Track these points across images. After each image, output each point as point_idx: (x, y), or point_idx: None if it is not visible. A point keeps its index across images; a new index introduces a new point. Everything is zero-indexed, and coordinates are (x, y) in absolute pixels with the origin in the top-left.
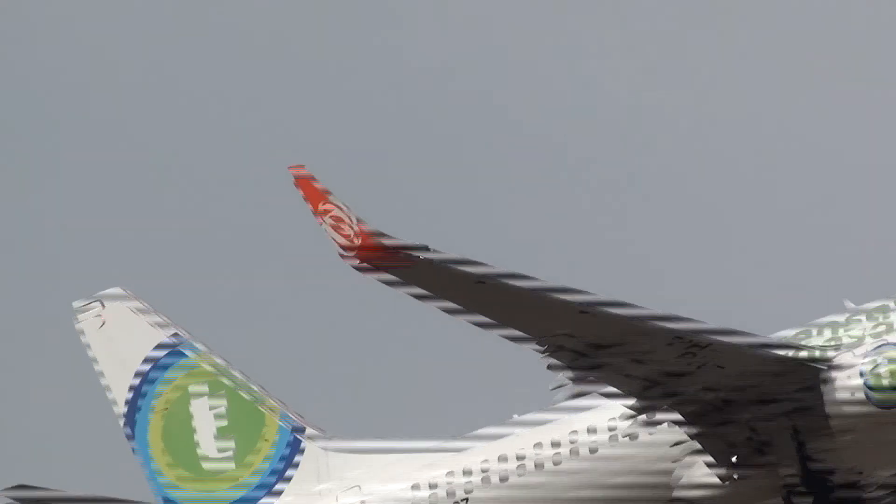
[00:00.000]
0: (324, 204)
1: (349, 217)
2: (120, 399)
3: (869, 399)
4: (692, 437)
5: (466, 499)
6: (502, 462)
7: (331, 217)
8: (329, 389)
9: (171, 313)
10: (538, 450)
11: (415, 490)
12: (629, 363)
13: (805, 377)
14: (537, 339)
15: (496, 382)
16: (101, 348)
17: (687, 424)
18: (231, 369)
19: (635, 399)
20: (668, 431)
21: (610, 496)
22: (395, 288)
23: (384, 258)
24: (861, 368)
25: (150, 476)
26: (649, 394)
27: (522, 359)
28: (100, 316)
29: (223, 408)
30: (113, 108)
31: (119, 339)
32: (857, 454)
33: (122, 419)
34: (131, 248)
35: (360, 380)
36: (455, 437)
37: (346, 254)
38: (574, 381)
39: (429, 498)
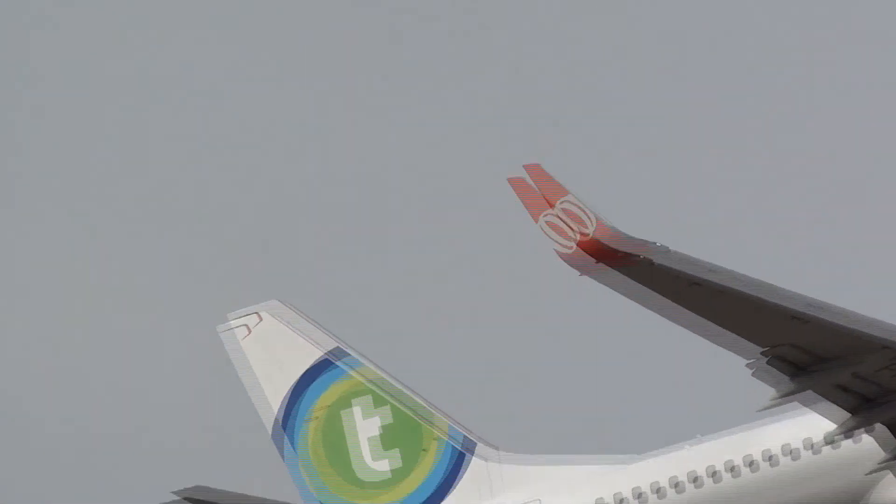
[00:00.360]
0: (560, 202)
1: (587, 214)
2: (274, 405)
3: None
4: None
5: None
6: (691, 477)
7: (553, 215)
8: (504, 404)
9: (334, 326)
10: (730, 462)
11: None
12: (850, 378)
13: None
14: (762, 349)
15: (683, 401)
16: (253, 356)
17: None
18: (395, 384)
19: (849, 415)
20: (871, 445)
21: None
22: (620, 289)
23: (614, 256)
24: None
25: (301, 485)
26: (864, 410)
27: (710, 378)
28: (246, 326)
29: (385, 422)
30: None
31: (273, 349)
32: None
33: (272, 427)
34: (291, 260)
35: (537, 395)
36: (636, 455)
37: (564, 251)
38: (789, 394)
39: None
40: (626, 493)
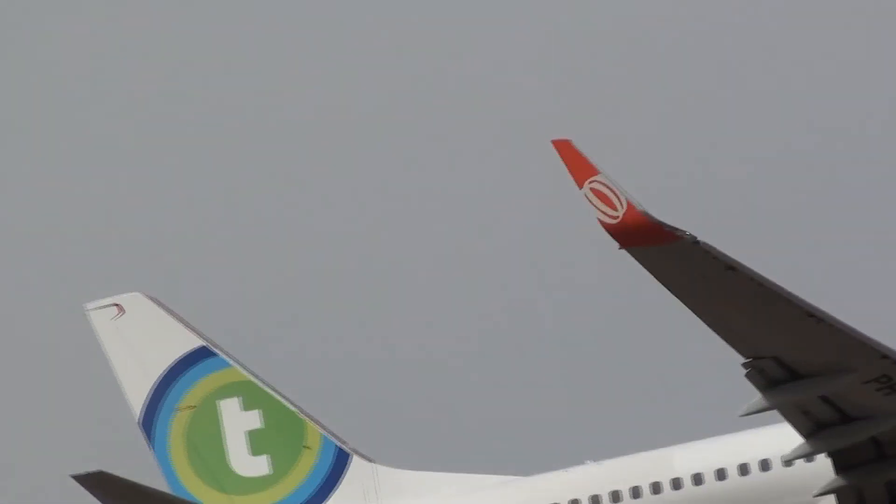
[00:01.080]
0: (590, 181)
1: (617, 196)
2: (139, 396)
3: None
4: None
5: None
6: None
7: (592, 191)
8: (379, 419)
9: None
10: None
11: None
12: (815, 400)
13: None
14: (745, 360)
15: (570, 427)
16: (117, 341)
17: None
18: (266, 388)
19: (803, 440)
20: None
21: None
22: (648, 266)
23: (649, 233)
24: None
25: (170, 480)
26: (815, 437)
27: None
28: (117, 305)
29: (267, 416)
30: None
31: (140, 335)
32: None
33: (138, 416)
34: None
35: (415, 412)
36: (521, 477)
37: (609, 222)
38: (761, 409)
39: None
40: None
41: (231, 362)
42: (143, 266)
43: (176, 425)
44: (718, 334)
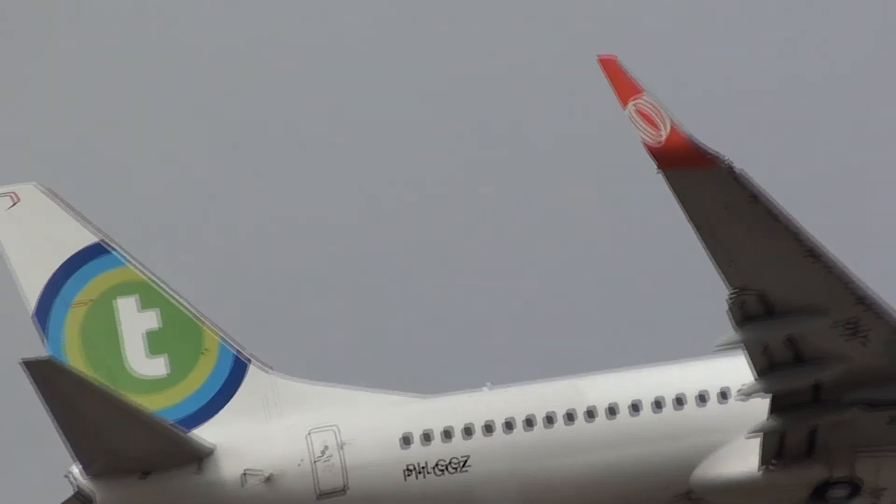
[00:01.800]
0: (634, 100)
1: (662, 117)
2: (33, 289)
3: None
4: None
5: (467, 457)
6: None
7: (637, 111)
8: (283, 328)
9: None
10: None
11: (406, 440)
12: (781, 339)
13: None
14: (732, 290)
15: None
16: (11, 231)
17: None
18: (163, 289)
19: (755, 378)
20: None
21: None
22: (679, 190)
23: (690, 156)
24: None
25: None
26: (767, 376)
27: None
28: (11, 195)
29: (164, 317)
30: None
31: (35, 227)
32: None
33: (32, 309)
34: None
35: (319, 321)
36: (422, 396)
37: (652, 143)
38: (731, 343)
39: (422, 453)
40: (440, 425)
41: (127, 261)
42: (39, 158)
43: (71, 321)
44: (717, 263)
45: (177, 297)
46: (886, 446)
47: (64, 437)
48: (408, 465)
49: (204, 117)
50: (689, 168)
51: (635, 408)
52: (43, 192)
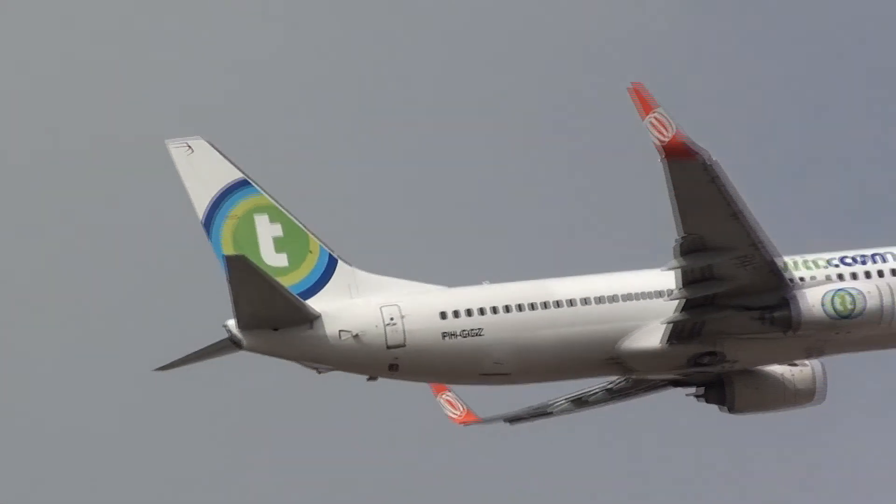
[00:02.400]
0: (653, 113)
1: (670, 124)
2: (201, 206)
3: (825, 313)
4: (681, 317)
5: (482, 328)
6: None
7: (654, 119)
8: (359, 235)
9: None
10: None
11: (442, 315)
12: (703, 265)
13: (785, 292)
14: (685, 233)
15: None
16: (188, 169)
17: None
18: (284, 210)
19: (679, 287)
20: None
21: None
22: (674, 174)
23: (685, 151)
24: (823, 296)
25: (223, 267)
26: (688, 287)
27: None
28: (188, 146)
29: (285, 228)
30: None
31: (202, 167)
32: (748, 352)
33: (202, 219)
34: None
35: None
36: (446, 287)
37: (661, 141)
38: (676, 268)
39: (453, 324)
40: (464, 306)
41: (262, 191)
42: (206, 117)
43: (226, 228)
44: (680, 219)
45: (292, 216)
46: (745, 334)
47: (232, 301)
48: (443, 331)
49: None
50: (683, 159)
51: (585, 301)
52: (207, 143)
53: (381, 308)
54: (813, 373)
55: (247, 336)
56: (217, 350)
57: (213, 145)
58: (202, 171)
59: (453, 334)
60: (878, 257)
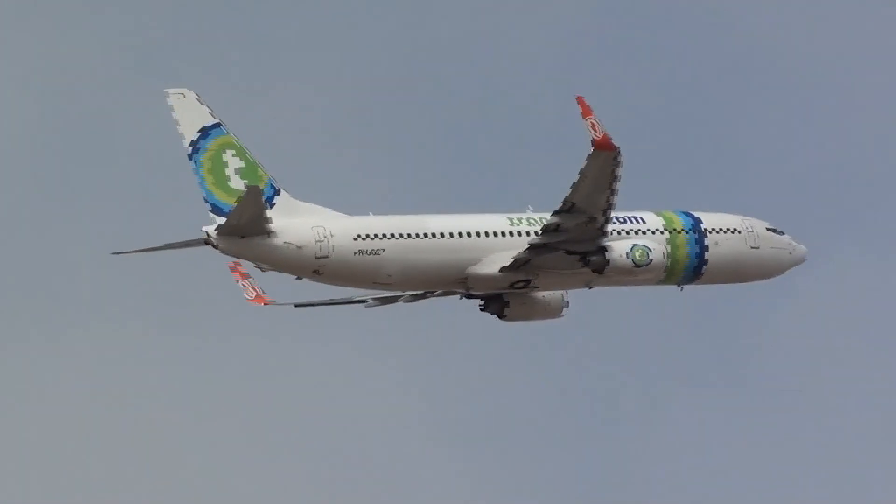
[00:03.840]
0: (590, 118)
1: (601, 126)
2: (188, 138)
3: (628, 261)
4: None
5: (383, 248)
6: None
7: (590, 121)
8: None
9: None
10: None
11: (355, 237)
12: (559, 222)
13: (600, 242)
14: (570, 200)
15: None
16: (180, 111)
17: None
18: (244, 147)
19: (538, 234)
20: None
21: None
22: (594, 161)
23: (607, 147)
24: (626, 248)
25: (200, 184)
26: (544, 235)
27: None
28: (181, 94)
29: (245, 162)
30: None
31: (189, 111)
32: (551, 282)
33: (188, 148)
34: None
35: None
36: (349, 214)
37: (592, 138)
38: (551, 222)
39: (363, 244)
40: (370, 232)
41: (228, 132)
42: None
43: (204, 159)
44: (573, 190)
45: (250, 153)
46: (560, 269)
47: (232, 214)
48: (356, 249)
49: None
50: (604, 150)
51: (449, 235)
52: (193, 93)
53: (314, 228)
54: (562, 296)
55: (222, 240)
56: (187, 244)
57: (196, 94)
58: (190, 113)
59: (363, 252)
60: (634, 219)
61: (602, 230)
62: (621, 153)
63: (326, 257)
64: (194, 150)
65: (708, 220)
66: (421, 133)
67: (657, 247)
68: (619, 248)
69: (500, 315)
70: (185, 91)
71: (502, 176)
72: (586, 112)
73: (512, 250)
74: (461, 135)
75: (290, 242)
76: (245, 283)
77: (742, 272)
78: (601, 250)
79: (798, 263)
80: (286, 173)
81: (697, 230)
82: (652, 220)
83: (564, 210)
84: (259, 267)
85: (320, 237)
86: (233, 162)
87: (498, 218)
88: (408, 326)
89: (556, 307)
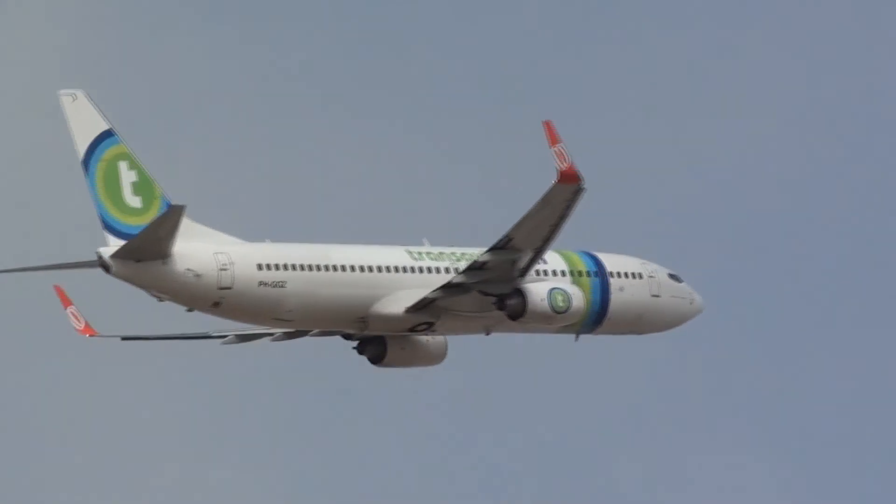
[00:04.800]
0: (558, 145)
1: (566, 156)
2: (81, 148)
3: (548, 306)
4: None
5: (286, 281)
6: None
7: (556, 152)
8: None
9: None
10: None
11: (259, 266)
12: (487, 261)
13: (517, 283)
14: (509, 236)
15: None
16: (73, 114)
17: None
18: (138, 160)
19: (462, 272)
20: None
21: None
22: (557, 192)
23: (571, 180)
24: (547, 292)
25: (98, 205)
26: (467, 273)
27: None
28: (74, 95)
29: (139, 176)
30: None
31: (83, 113)
32: (453, 326)
33: (81, 159)
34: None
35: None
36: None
37: (558, 168)
38: (481, 260)
39: (267, 275)
40: (273, 261)
41: (122, 141)
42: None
43: (98, 170)
44: (519, 225)
45: (143, 165)
46: (469, 312)
47: (141, 235)
48: (259, 280)
49: None
50: (568, 183)
51: (353, 269)
52: (86, 96)
53: (214, 254)
54: (444, 341)
55: (116, 263)
56: (76, 266)
57: (90, 97)
58: (83, 118)
59: (266, 283)
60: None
61: (525, 270)
62: (584, 187)
63: (227, 288)
64: (87, 160)
65: (609, 262)
66: (317, 153)
67: (577, 292)
68: (538, 291)
69: (377, 360)
70: (79, 92)
71: (395, 205)
72: (553, 139)
73: (417, 288)
74: (353, 158)
75: (189, 269)
76: (70, 311)
77: (642, 322)
78: (520, 293)
79: (696, 315)
80: (175, 189)
81: (601, 273)
82: (555, 259)
83: (499, 247)
84: (153, 295)
85: (222, 265)
86: (127, 175)
87: (400, 251)
88: (244, 365)
89: (439, 353)
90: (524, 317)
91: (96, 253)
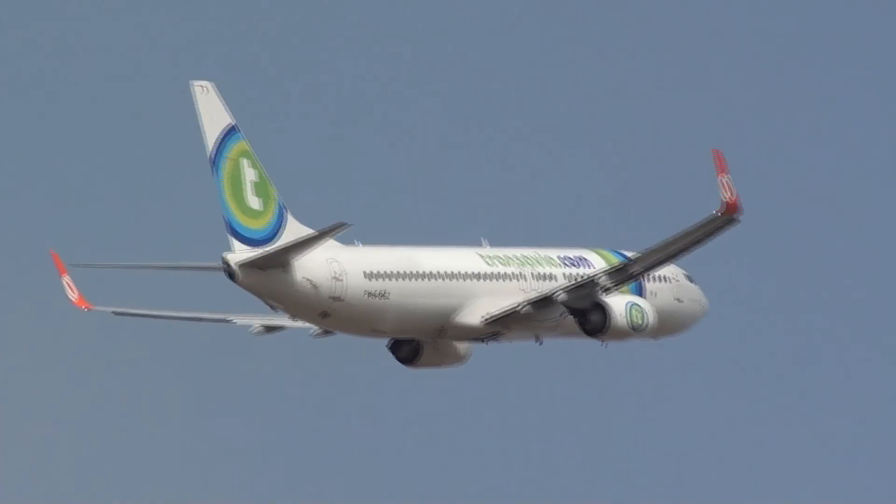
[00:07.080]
0: (725, 176)
1: (732, 188)
2: (210, 144)
3: (627, 323)
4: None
5: (389, 291)
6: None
7: (725, 179)
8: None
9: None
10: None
11: (367, 275)
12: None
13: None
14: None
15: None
16: (203, 105)
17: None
18: (257, 160)
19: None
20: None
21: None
22: (716, 222)
23: (733, 211)
24: (624, 307)
25: (223, 202)
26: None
27: None
28: (204, 87)
29: (259, 175)
30: None
31: (212, 106)
32: (517, 335)
33: (210, 156)
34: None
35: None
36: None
37: (723, 199)
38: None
39: (375, 285)
40: (377, 269)
41: (243, 138)
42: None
43: (224, 168)
44: (659, 249)
45: (261, 165)
46: (540, 321)
47: (286, 247)
48: (366, 290)
49: None
50: (728, 214)
51: (441, 276)
52: (214, 88)
53: (327, 261)
54: (469, 344)
55: (243, 271)
56: (203, 269)
57: (216, 89)
58: (211, 109)
59: (372, 294)
60: (583, 261)
61: (612, 286)
62: (740, 219)
63: (339, 299)
64: (216, 158)
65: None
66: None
67: (650, 308)
68: (618, 307)
69: (409, 360)
70: (209, 84)
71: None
72: (722, 169)
73: (491, 297)
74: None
75: (307, 279)
76: (65, 280)
77: (663, 328)
78: (600, 308)
79: (703, 317)
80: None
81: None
82: (597, 261)
83: (619, 269)
84: (270, 305)
85: (335, 274)
86: (248, 174)
87: (473, 254)
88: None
89: (466, 352)
90: (603, 333)
91: (222, 258)
